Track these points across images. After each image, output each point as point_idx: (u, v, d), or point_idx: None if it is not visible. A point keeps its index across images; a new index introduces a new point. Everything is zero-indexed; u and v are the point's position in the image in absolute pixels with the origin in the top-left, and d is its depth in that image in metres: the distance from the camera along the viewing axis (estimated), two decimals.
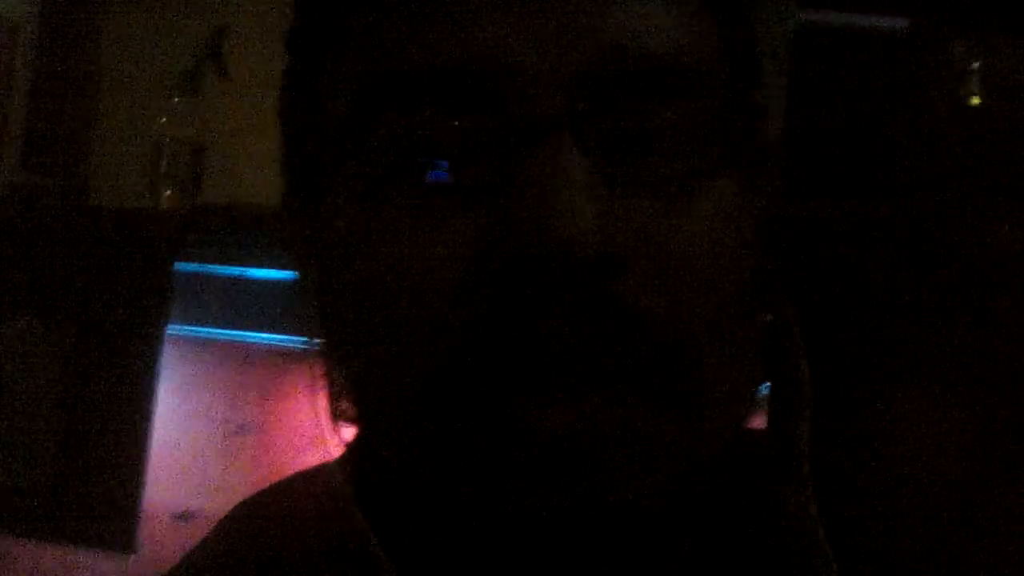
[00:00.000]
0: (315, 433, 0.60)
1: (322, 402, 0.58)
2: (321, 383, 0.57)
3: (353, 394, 0.56)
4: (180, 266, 1.73)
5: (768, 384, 0.56)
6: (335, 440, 0.59)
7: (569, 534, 0.48)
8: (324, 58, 0.54)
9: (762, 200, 0.54)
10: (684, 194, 0.49)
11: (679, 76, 0.49)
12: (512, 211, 0.45)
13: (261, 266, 1.72)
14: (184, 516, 1.79)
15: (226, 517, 0.66)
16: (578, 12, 0.48)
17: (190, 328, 1.80)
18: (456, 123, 0.48)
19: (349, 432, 0.59)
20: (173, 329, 1.74)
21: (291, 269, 0.60)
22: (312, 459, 0.63)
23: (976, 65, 1.58)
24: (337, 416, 0.58)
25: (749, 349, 0.53)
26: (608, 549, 0.50)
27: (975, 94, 1.58)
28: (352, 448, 0.59)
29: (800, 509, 0.55)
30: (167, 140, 1.94)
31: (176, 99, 1.97)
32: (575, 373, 0.46)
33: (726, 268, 0.49)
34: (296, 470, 0.67)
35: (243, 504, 0.67)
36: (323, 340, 0.57)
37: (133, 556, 1.64)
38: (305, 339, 0.58)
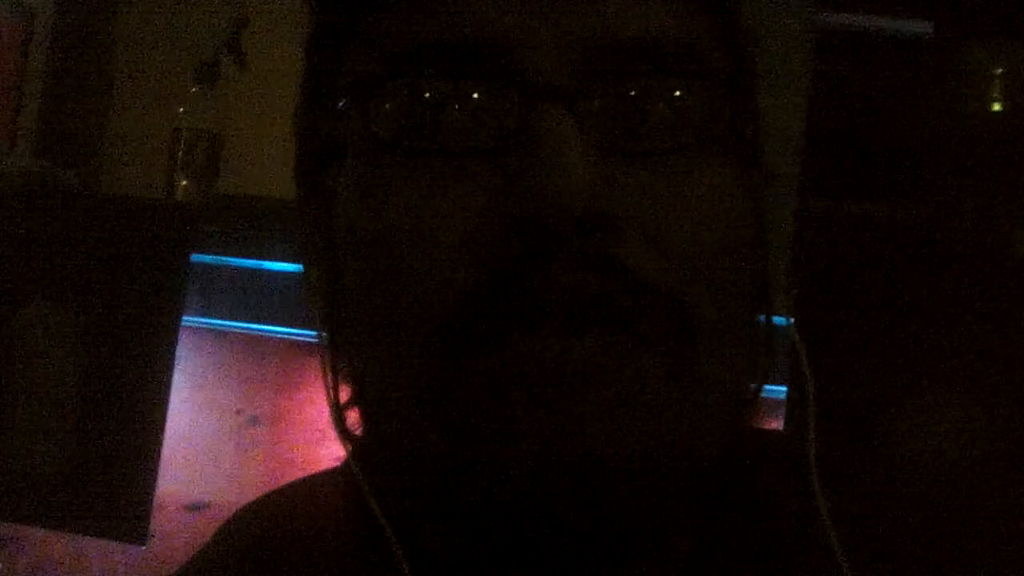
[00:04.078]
0: (328, 426, 0.61)
1: (329, 404, 0.59)
2: (331, 381, 0.59)
3: (361, 376, 0.58)
4: (196, 257, 1.73)
5: (785, 388, 0.57)
6: (343, 444, 0.60)
7: (573, 525, 0.50)
8: (342, 48, 0.58)
9: (760, 187, 0.57)
10: (678, 167, 0.52)
11: (675, 57, 0.53)
12: (513, 173, 0.49)
13: (277, 259, 1.72)
14: (196, 507, 1.79)
15: (234, 517, 0.67)
16: None
17: (205, 320, 1.80)
18: (466, 93, 0.52)
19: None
20: (188, 320, 1.74)
21: (299, 260, 0.64)
22: (325, 451, 0.63)
23: (999, 71, 1.57)
24: (341, 421, 0.59)
25: (748, 337, 0.55)
26: (610, 544, 0.51)
27: (997, 100, 1.57)
28: (359, 447, 0.60)
29: (809, 510, 0.55)
30: (184, 130, 1.94)
31: (194, 89, 1.96)
32: (575, 316, 0.48)
33: (721, 242, 0.52)
34: (309, 462, 0.68)
35: (253, 503, 0.68)
36: (328, 332, 0.59)
37: (144, 546, 1.63)
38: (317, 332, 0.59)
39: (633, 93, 0.52)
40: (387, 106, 0.52)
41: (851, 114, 1.54)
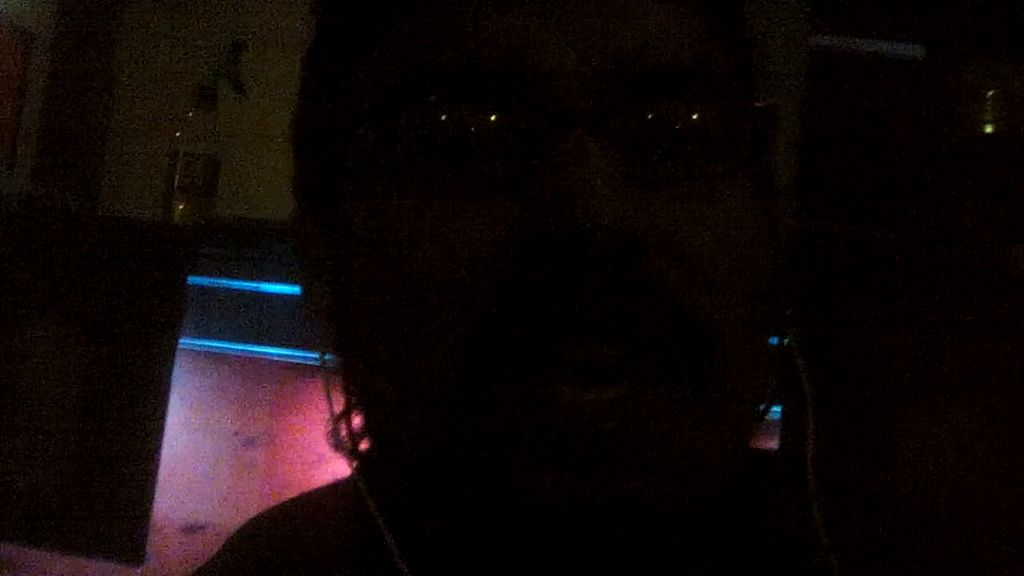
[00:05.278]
0: (324, 448, 0.61)
1: (329, 420, 0.59)
2: (332, 399, 0.59)
3: (369, 397, 0.57)
4: (193, 279, 1.73)
5: (779, 408, 0.57)
6: (344, 458, 0.60)
7: (581, 541, 0.49)
8: (349, 63, 0.57)
9: (774, 207, 0.57)
10: (702, 189, 0.52)
11: (695, 80, 0.53)
12: (538, 197, 0.49)
13: (274, 281, 1.72)
14: (193, 529, 1.79)
15: (241, 530, 0.67)
16: (603, 17, 0.52)
17: (202, 341, 1.80)
18: (487, 117, 0.51)
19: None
20: (185, 342, 1.74)
21: (301, 282, 0.62)
22: (321, 473, 0.63)
23: (991, 93, 1.58)
24: (340, 438, 0.60)
25: (765, 358, 0.55)
26: (617, 559, 0.51)
27: (990, 121, 1.58)
28: (365, 464, 0.60)
29: (806, 525, 0.56)
30: (182, 153, 1.94)
31: (191, 113, 1.97)
32: (600, 351, 0.48)
33: (744, 264, 0.52)
34: (306, 484, 0.68)
35: (259, 517, 0.67)
36: (334, 350, 0.59)
37: (141, 567, 1.63)
38: (317, 354, 0.59)
39: (655, 117, 0.52)
40: (405, 129, 0.52)
41: (845, 135, 1.55)
